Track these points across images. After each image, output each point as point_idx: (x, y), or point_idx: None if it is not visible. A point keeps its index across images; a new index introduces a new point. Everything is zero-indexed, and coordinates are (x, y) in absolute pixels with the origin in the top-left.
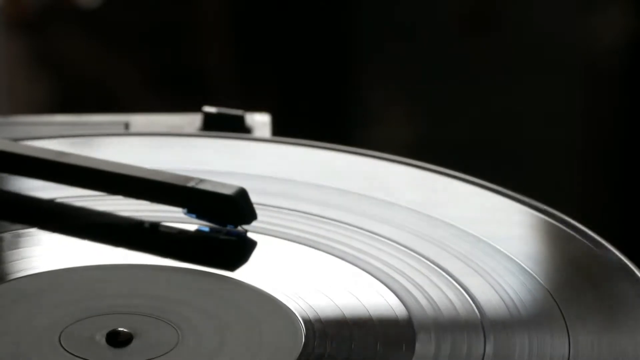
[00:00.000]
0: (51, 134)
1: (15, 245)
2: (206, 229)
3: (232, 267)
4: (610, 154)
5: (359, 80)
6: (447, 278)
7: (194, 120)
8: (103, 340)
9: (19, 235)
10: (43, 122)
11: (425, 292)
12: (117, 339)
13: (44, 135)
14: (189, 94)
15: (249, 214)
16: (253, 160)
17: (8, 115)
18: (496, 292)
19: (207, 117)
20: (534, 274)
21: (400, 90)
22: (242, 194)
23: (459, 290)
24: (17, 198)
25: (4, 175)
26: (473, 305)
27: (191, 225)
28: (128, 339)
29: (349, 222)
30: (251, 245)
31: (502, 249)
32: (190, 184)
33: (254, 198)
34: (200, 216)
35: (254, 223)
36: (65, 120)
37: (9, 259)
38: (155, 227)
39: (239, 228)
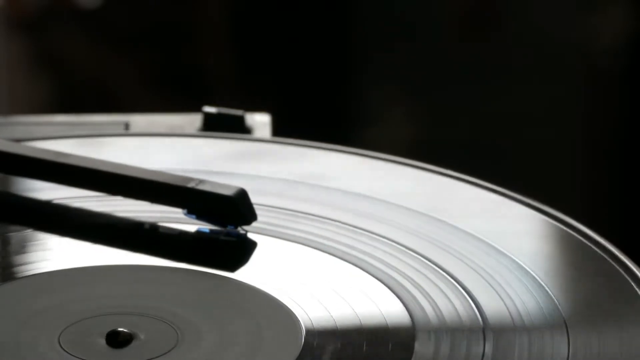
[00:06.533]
0: (51, 134)
1: (15, 246)
2: (206, 230)
3: (232, 267)
4: (610, 154)
5: (359, 80)
6: (446, 278)
7: (194, 120)
8: (103, 341)
9: (18, 236)
10: (43, 122)
11: (425, 292)
12: (116, 339)
13: (44, 135)
14: (189, 94)
15: (249, 215)
16: (253, 160)
17: (8, 115)
18: (496, 292)
19: (207, 117)
20: (534, 274)
21: (400, 90)
22: (242, 195)
23: (459, 290)
24: (16, 198)
25: (4, 175)
26: (472, 305)
27: (191, 225)
28: (128, 339)
29: (349, 222)
30: (251, 245)
31: (501, 249)
32: (190, 185)
33: (254, 198)
34: (200, 217)
35: (254, 224)
36: (65, 120)
37: (9, 259)
38: (155, 227)
39: (239, 229)
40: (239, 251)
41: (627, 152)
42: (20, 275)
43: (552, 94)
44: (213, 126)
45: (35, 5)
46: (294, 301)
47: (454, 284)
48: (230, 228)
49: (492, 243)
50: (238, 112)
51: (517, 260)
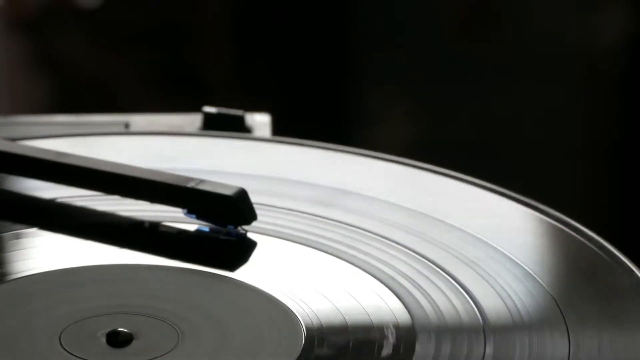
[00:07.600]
0: (51, 134)
1: (15, 245)
2: (206, 229)
3: (232, 267)
4: (610, 154)
5: (359, 80)
6: (447, 278)
7: (194, 120)
8: (103, 340)
9: (19, 236)
10: (43, 122)
11: (426, 292)
12: (117, 339)
13: (44, 135)
14: (189, 94)
15: (249, 215)
16: (253, 160)
17: (8, 115)
18: (496, 292)
19: (207, 117)
20: (534, 275)
21: (400, 90)
22: (242, 195)
23: (459, 290)
24: (17, 198)
25: (4, 175)
26: (473, 306)
27: (191, 225)
28: (128, 339)
29: (349, 222)
30: (251, 245)
31: (502, 250)
32: (190, 184)
33: (254, 198)
34: (200, 216)
35: (254, 223)
36: (65, 120)
37: (9, 259)
38: (155, 227)
39: (239, 229)
40: (239, 251)
41: (627, 152)
42: (20, 275)
43: (552, 94)
44: (213, 126)
45: (35, 5)
46: (294, 301)
47: (454, 285)
48: (230, 228)
49: (493, 243)
50: (238, 112)
51: (517, 260)
